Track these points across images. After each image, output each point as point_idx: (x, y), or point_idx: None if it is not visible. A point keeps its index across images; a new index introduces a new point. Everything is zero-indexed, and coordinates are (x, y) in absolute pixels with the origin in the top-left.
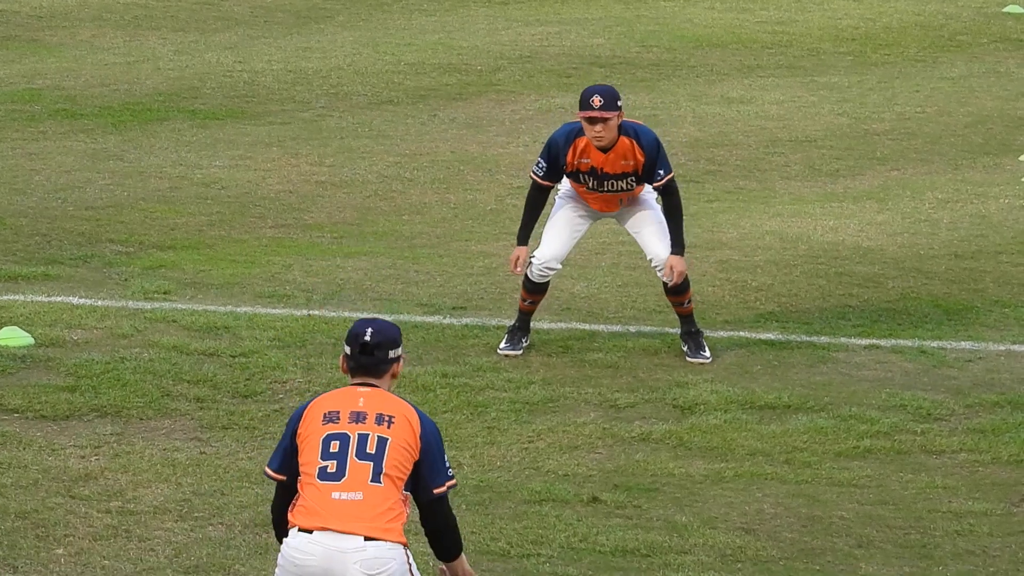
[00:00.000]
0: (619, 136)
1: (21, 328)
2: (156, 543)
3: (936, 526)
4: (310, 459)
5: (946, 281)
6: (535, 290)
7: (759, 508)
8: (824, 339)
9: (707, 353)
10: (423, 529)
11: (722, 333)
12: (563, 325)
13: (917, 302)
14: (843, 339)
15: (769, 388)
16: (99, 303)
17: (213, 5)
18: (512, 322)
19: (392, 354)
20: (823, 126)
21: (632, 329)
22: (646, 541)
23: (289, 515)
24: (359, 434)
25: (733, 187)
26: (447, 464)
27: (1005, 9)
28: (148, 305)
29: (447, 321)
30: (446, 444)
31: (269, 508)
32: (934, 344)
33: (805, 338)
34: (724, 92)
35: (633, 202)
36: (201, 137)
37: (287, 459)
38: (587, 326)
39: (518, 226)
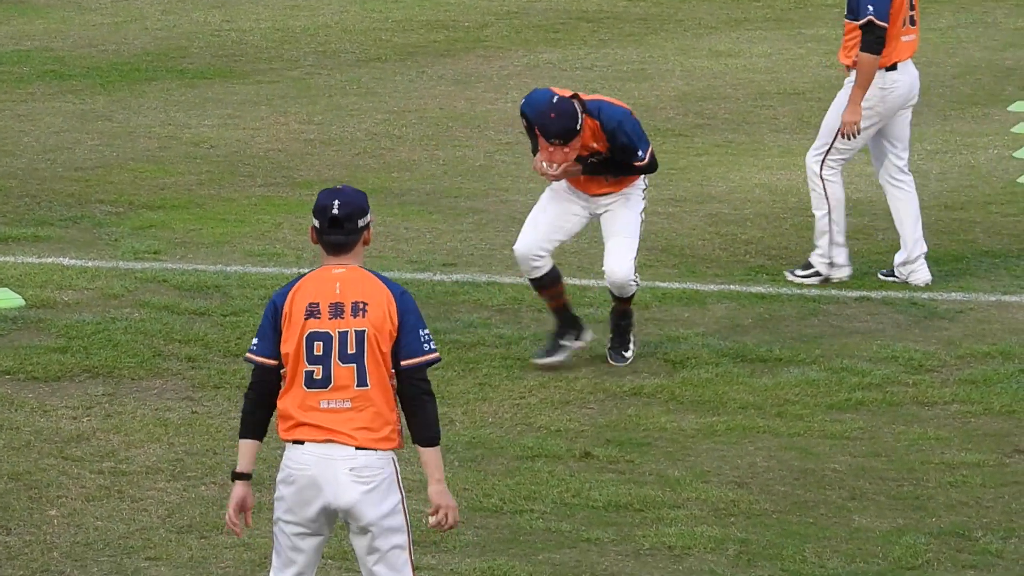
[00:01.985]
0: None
1: (12, 289)
2: (149, 503)
3: (929, 477)
4: (296, 360)
5: (936, 232)
6: (537, 287)
7: (751, 462)
8: (814, 292)
9: (628, 353)
10: (400, 402)
11: (712, 287)
12: None
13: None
14: (833, 291)
15: (760, 341)
16: (89, 264)
17: None
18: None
19: (361, 223)
20: (811, 78)
21: None
22: (639, 496)
23: (280, 430)
24: (339, 332)
25: (722, 140)
26: (423, 339)
27: None
28: (138, 265)
29: (437, 278)
30: (439, 403)
31: (263, 465)
32: (925, 295)
33: (796, 291)
34: (712, 45)
35: (622, 202)
36: (189, 97)
37: (272, 343)
38: (578, 281)
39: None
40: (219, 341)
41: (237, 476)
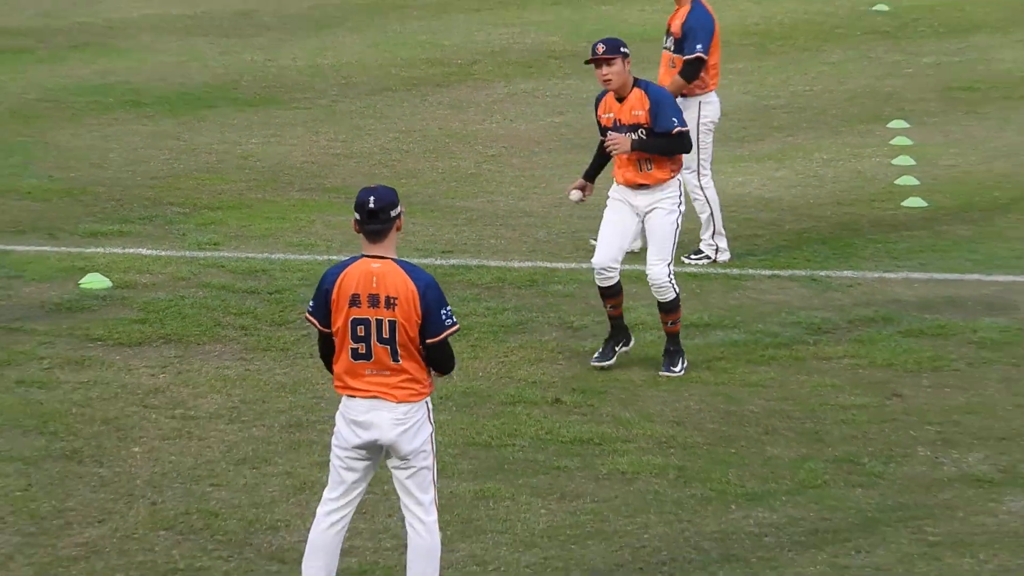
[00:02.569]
0: (632, 88)
1: (101, 274)
2: (212, 442)
3: (826, 416)
4: (343, 340)
5: (831, 223)
6: (605, 294)
7: (686, 405)
8: (736, 271)
9: (677, 369)
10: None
11: None
12: (529, 264)
13: (808, 240)
14: (750, 271)
15: (693, 310)
16: (163, 253)
17: (249, 15)
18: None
19: (393, 213)
20: (733, 103)
21: (584, 266)
22: (598, 433)
23: (335, 382)
24: (376, 319)
25: None
26: (444, 316)
27: (874, 7)
28: (201, 254)
29: (438, 262)
30: None
31: (302, 411)
32: (822, 273)
33: (720, 270)
34: (654, 78)
35: (661, 210)
36: (240, 120)
37: (325, 315)
38: (549, 264)
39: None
40: (266, 314)
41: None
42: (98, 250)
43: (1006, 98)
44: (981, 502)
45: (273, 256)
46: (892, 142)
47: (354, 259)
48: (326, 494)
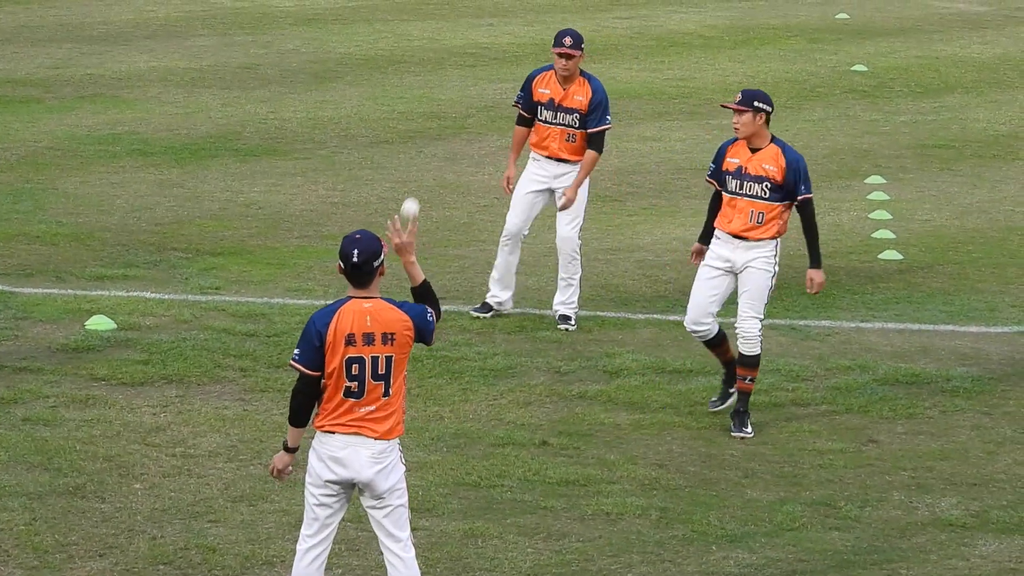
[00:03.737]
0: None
1: (106, 316)
2: (211, 479)
3: (804, 460)
4: (337, 380)
5: None
6: (708, 346)
7: (669, 449)
8: (718, 320)
9: (748, 431)
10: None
11: (640, 315)
12: (518, 311)
13: (788, 290)
14: (732, 319)
15: (676, 357)
16: (166, 296)
17: (251, 69)
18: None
19: (376, 263)
20: None
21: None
22: (583, 474)
23: (316, 420)
24: (372, 356)
25: (648, 204)
26: (430, 319)
27: (853, 68)
28: (203, 298)
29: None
30: (431, 404)
31: (298, 451)
32: (801, 322)
33: None
34: (640, 132)
35: (757, 268)
36: (243, 170)
37: (316, 360)
38: (537, 311)
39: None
40: (265, 356)
41: (288, 449)
42: (104, 293)
43: (979, 156)
44: (954, 546)
45: (272, 301)
46: (869, 197)
47: (342, 301)
48: (303, 531)
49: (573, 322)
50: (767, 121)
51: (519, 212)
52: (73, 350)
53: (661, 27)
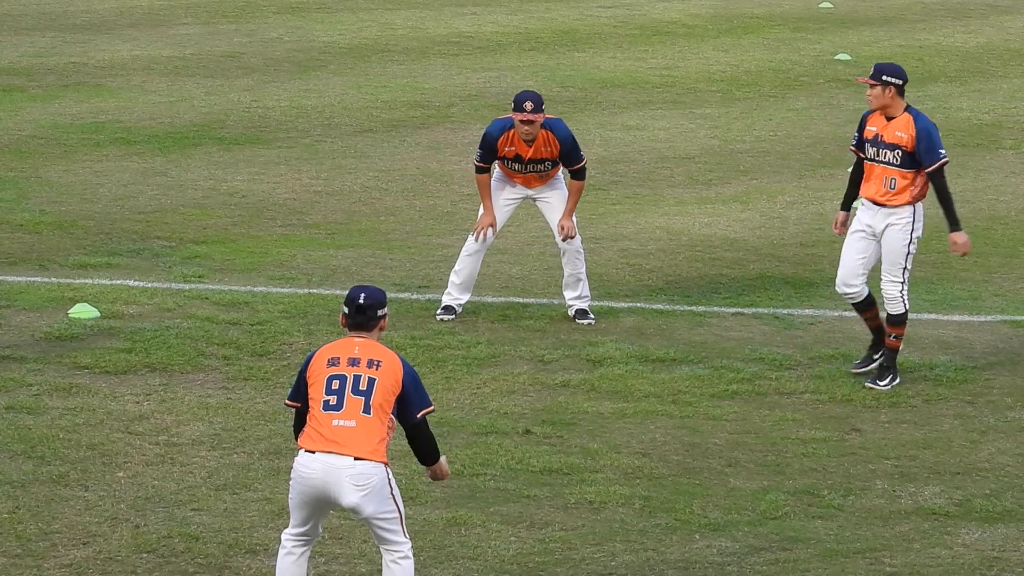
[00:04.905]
0: (903, 113)
1: (90, 304)
2: (194, 467)
3: (787, 449)
4: (317, 394)
5: (793, 263)
6: (857, 310)
7: (652, 437)
8: (701, 308)
9: (884, 384)
10: (409, 445)
11: (623, 304)
12: (502, 299)
13: (771, 279)
14: (715, 308)
15: (659, 345)
16: (149, 285)
17: (235, 57)
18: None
19: (380, 312)
20: (699, 147)
21: (555, 302)
22: (567, 463)
23: (299, 439)
24: (354, 375)
25: (631, 193)
26: (424, 396)
27: (836, 57)
28: (186, 286)
29: (414, 297)
30: None
31: (281, 439)
32: (784, 311)
33: (686, 307)
34: (624, 121)
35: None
36: (226, 158)
37: (299, 392)
38: (521, 299)
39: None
40: (248, 344)
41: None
42: (87, 281)
43: (962, 145)
44: (937, 535)
45: (255, 289)
46: None
47: (334, 340)
48: (291, 526)
49: (592, 316)
50: (900, 92)
51: (493, 209)
52: (56, 338)
53: (645, 16)
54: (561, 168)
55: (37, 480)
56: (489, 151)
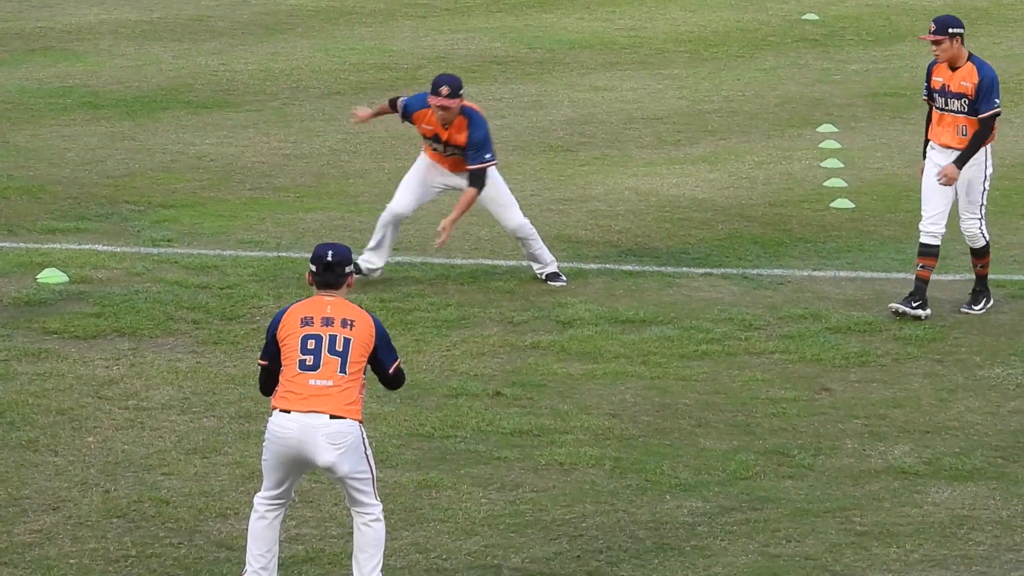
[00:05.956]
0: (967, 61)
1: (58, 269)
2: (164, 432)
3: (757, 409)
4: (292, 354)
5: (762, 223)
6: (921, 253)
7: (622, 398)
8: (670, 268)
9: (978, 308)
10: (387, 389)
11: (593, 265)
12: (471, 261)
13: (740, 239)
14: (684, 268)
15: (629, 306)
16: (118, 249)
17: (202, 21)
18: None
19: (347, 269)
20: (667, 107)
21: (524, 264)
22: (537, 424)
23: (273, 400)
24: (330, 335)
25: (600, 154)
26: (393, 350)
27: (804, 16)
28: (155, 250)
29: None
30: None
31: (251, 403)
32: (753, 271)
33: (656, 268)
34: (592, 82)
35: (974, 171)
36: (194, 122)
37: (269, 351)
38: (490, 261)
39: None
40: (217, 308)
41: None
42: (55, 246)
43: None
44: (907, 494)
45: (225, 253)
46: (821, 146)
47: (302, 298)
48: (263, 491)
49: (563, 276)
50: (962, 41)
51: (410, 195)
52: (25, 304)
53: None
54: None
55: (6, 446)
56: (405, 114)
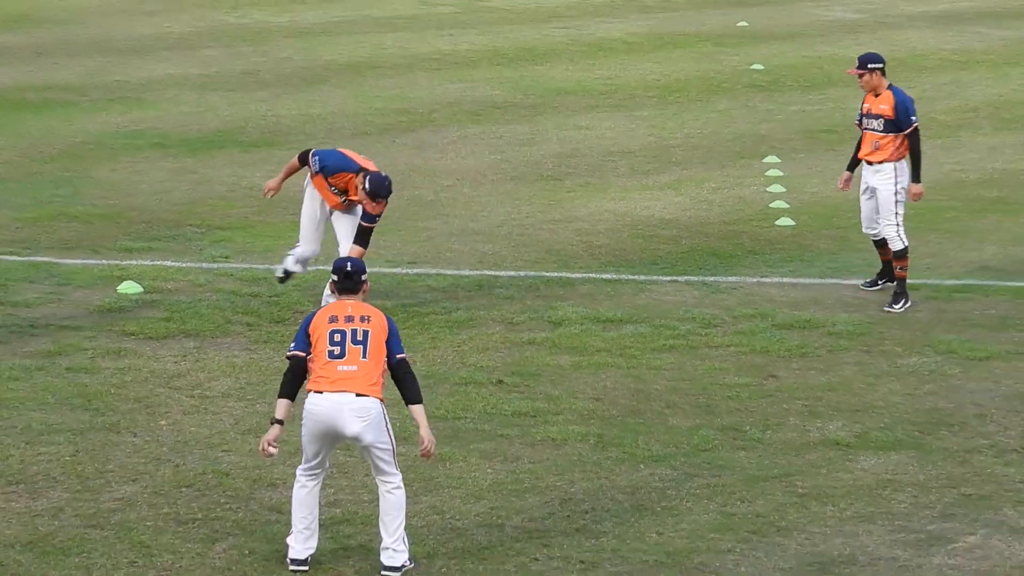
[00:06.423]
0: (887, 90)
1: (134, 282)
2: (224, 415)
3: (715, 393)
4: (322, 346)
5: (718, 238)
6: (875, 245)
7: (604, 385)
8: (642, 277)
9: (898, 307)
10: (397, 386)
11: (578, 275)
12: (477, 272)
13: (700, 252)
14: (655, 277)
15: (609, 308)
16: (183, 265)
17: (252, 74)
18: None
19: (363, 277)
20: (639, 143)
21: (522, 274)
22: (533, 407)
23: (308, 383)
24: (351, 329)
25: (583, 182)
26: (400, 342)
27: (752, 66)
28: (215, 265)
29: (404, 271)
30: (406, 349)
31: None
32: (712, 278)
33: (630, 276)
34: (576, 122)
35: (883, 183)
36: (246, 159)
37: (305, 343)
38: (493, 272)
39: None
40: (267, 313)
41: (276, 421)
42: (132, 263)
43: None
44: (840, 462)
45: (273, 267)
46: (767, 174)
47: (329, 302)
48: (303, 464)
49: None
50: (883, 73)
51: (313, 239)
52: (107, 311)
53: (592, 35)
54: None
55: (93, 428)
56: (325, 171)
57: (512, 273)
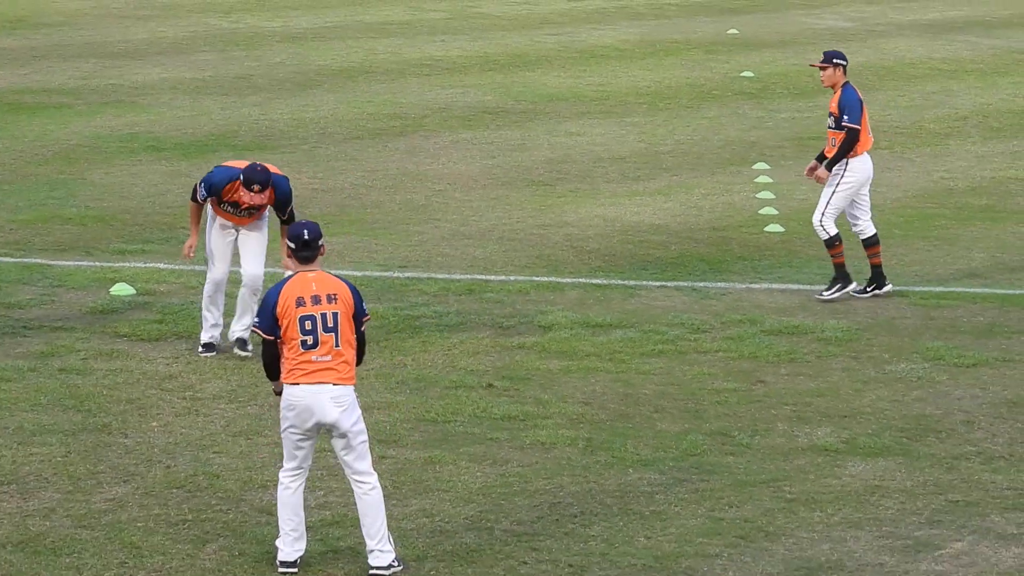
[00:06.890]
0: (842, 88)
1: (127, 284)
2: (215, 417)
3: (704, 398)
4: (293, 334)
5: (708, 245)
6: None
7: (593, 389)
8: (632, 282)
9: (828, 293)
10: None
11: (568, 280)
12: (468, 276)
13: (690, 258)
14: (644, 282)
15: (599, 313)
16: (176, 267)
17: (245, 79)
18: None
19: (321, 242)
20: (630, 149)
21: (512, 278)
22: (523, 411)
23: (283, 376)
24: (321, 313)
25: (574, 188)
26: (363, 307)
27: (742, 74)
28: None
29: (395, 275)
30: (396, 354)
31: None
32: (701, 284)
33: (620, 282)
34: (567, 128)
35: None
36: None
37: (274, 327)
38: (483, 277)
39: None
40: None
41: (279, 392)
42: (125, 265)
43: None
44: (828, 467)
45: (265, 270)
46: (756, 180)
47: (290, 277)
48: (285, 465)
49: (250, 347)
50: (844, 71)
51: (223, 261)
52: (100, 312)
53: (583, 42)
54: (267, 209)
55: (85, 429)
56: (212, 194)
57: (503, 278)
